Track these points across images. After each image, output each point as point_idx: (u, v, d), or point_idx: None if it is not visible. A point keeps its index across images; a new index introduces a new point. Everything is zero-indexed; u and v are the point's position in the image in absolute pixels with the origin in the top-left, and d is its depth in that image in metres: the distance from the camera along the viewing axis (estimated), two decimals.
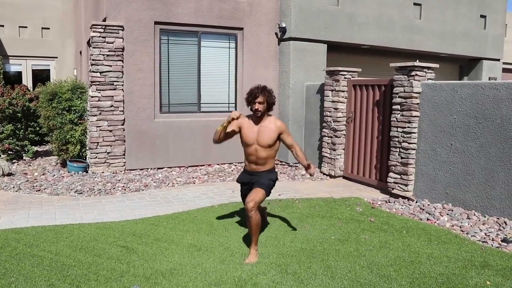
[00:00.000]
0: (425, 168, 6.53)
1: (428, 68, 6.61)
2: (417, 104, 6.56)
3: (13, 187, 7.12)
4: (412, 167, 6.67)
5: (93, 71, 8.02)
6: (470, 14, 11.90)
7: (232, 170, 8.75)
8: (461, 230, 5.27)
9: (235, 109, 9.38)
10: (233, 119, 4.56)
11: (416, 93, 6.54)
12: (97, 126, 8.09)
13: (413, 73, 6.50)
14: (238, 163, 9.36)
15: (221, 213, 5.89)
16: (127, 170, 8.44)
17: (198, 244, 4.69)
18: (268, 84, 9.49)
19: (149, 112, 8.50)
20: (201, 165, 9.10)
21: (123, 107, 8.28)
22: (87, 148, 8.35)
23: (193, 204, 6.36)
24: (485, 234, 5.10)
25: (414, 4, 10.87)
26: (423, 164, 6.56)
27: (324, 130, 8.50)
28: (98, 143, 8.12)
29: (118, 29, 8.10)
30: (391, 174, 6.94)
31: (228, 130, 4.71)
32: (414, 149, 6.64)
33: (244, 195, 4.85)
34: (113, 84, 8.15)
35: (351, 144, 8.09)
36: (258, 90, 4.54)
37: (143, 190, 7.15)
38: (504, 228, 5.26)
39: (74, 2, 14.87)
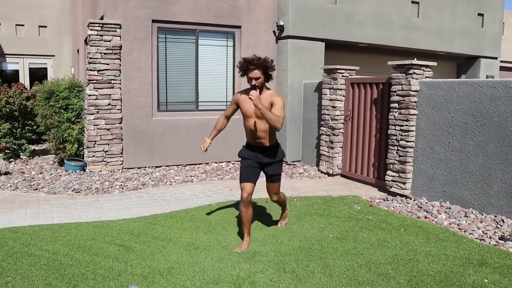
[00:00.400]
0: (423, 166, 6.53)
1: (426, 66, 6.61)
2: (415, 102, 6.56)
3: (10, 186, 7.10)
4: (410, 165, 6.67)
5: (91, 70, 8.00)
6: (468, 12, 11.91)
7: (230, 169, 8.74)
8: (459, 228, 5.28)
9: None
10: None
11: (414, 91, 6.54)
12: (94, 125, 8.07)
13: (411, 71, 6.50)
14: (236, 161, 9.36)
15: (219, 211, 5.88)
16: (125, 168, 8.42)
17: (196, 243, 4.68)
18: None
19: (146, 110, 8.49)
20: (199, 164, 9.09)
21: (121, 105, 8.26)
22: (85, 147, 8.33)
23: (191, 202, 6.35)
24: (482, 232, 5.11)
25: (412, 2, 10.87)
26: (421, 162, 6.57)
27: (322, 128, 8.50)
28: (95, 141, 8.10)
29: (116, 27, 8.08)
30: (389, 172, 6.94)
31: (230, 111, 4.81)
32: (412, 147, 6.64)
33: (247, 170, 4.55)
34: (110, 83, 8.13)
35: (349, 142, 8.09)
36: (254, 62, 4.26)
37: (140, 188, 7.14)
38: (501, 226, 5.27)
39: (71, 0, 14.82)
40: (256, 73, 4.30)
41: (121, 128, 8.31)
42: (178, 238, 4.83)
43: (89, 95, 8.02)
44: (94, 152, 8.12)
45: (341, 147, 8.26)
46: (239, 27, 9.20)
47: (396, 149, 6.81)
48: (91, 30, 7.95)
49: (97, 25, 7.96)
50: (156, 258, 4.26)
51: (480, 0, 12.09)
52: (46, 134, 8.92)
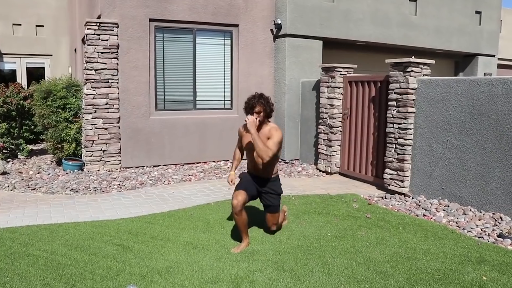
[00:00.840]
0: (421, 164, 6.53)
1: (424, 64, 6.61)
2: (413, 100, 6.56)
3: (8, 186, 7.08)
4: (408, 163, 6.67)
5: (88, 69, 7.98)
6: (465, 10, 11.91)
7: (228, 167, 8.73)
8: (457, 226, 5.28)
9: (231, 107, 9.36)
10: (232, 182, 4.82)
11: (412, 89, 6.54)
12: (92, 124, 8.05)
13: (408, 69, 6.49)
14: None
15: (217, 210, 5.87)
16: (123, 168, 8.41)
17: (194, 242, 4.68)
18: (263, 80, 9.49)
19: (144, 109, 8.47)
20: (197, 163, 9.08)
21: (118, 104, 8.25)
22: (83, 146, 8.31)
23: (189, 201, 6.34)
24: (481, 229, 5.11)
25: (410, 0, 10.87)
26: (419, 160, 6.57)
27: (320, 126, 8.49)
28: (93, 141, 8.09)
29: (113, 27, 8.06)
30: (387, 170, 6.94)
31: (240, 146, 5.00)
32: (410, 145, 6.64)
33: (243, 182, 4.70)
34: (108, 82, 8.11)
35: (347, 140, 8.08)
36: (255, 99, 4.55)
37: (139, 188, 7.13)
38: (500, 224, 5.28)
39: None
40: (257, 108, 4.52)
41: (119, 128, 8.29)
42: (176, 237, 4.83)
43: (87, 95, 8.00)
44: (92, 151, 8.10)
45: (339, 146, 8.25)
46: (236, 25, 9.18)
47: (394, 147, 6.81)
48: (88, 29, 7.93)
49: (94, 24, 7.93)
50: (154, 258, 4.25)
51: None
52: (44, 133, 8.90)
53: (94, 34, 7.96)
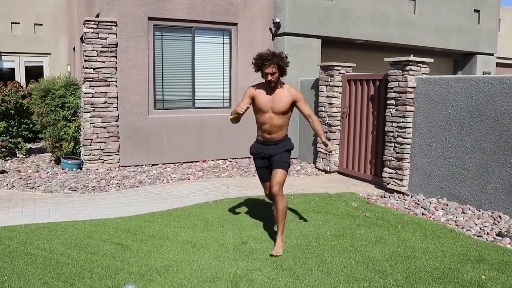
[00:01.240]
0: (420, 163, 6.53)
1: (423, 62, 6.61)
2: (412, 98, 6.56)
3: (7, 184, 7.07)
4: (407, 162, 6.67)
5: (87, 68, 7.97)
6: (464, 8, 11.91)
7: (227, 166, 8.73)
8: (456, 225, 5.28)
9: (229, 105, 9.35)
10: (238, 113, 4.35)
11: (411, 87, 6.53)
12: (91, 123, 8.04)
13: (407, 68, 6.49)
14: (233, 159, 9.35)
15: (216, 209, 5.87)
16: (122, 166, 8.40)
17: (193, 241, 4.67)
18: (262, 79, 9.45)
19: (143, 108, 8.46)
20: (196, 161, 9.07)
21: (117, 103, 8.23)
22: (81, 145, 8.30)
23: (187, 200, 6.33)
24: (480, 228, 5.11)
25: None
26: (418, 159, 6.57)
27: None
28: (92, 140, 8.08)
29: (111, 25, 8.04)
30: (386, 169, 6.94)
31: (243, 110, 4.36)
32: (409, 144, 6.64)
33: (260, 171, 4.68)
34: (106, 81, 8.10)
35: (346, 139, 8.08)
36: (269, 57, 4.23)
37: (137, 186, 7.12)
38: (498, 222, 5.28)
39: None
40: (272, 68, 4.28)
41: (118, 126, 8.28)
42: (175, 236, 4.82)
43: (85, 93, 7.99)
44: (91, 150, 8.09)
45: (338, 144, 8.25)
46: (235, 24, 9.17)
47: (393, 145, 6.81)
48: (86, 28, 7.91)
49: (93, 22, 7.92)
50: (153, 256, 4.25)
51: None
52: (42, 132, 8.88)
53: (92, 32, 7.94)
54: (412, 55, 6.76)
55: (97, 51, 7.99)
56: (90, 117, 8.03)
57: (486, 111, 5.68)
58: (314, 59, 9.59)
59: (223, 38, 9.21)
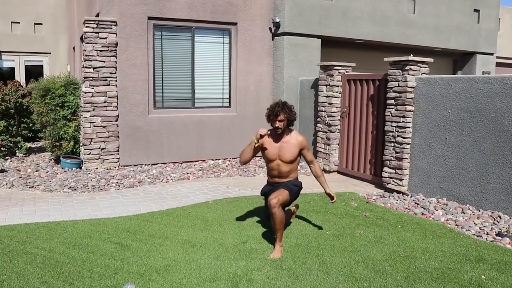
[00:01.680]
0: (420, 162, 6.53)
1: (422, 62, 6.61)
2: (412, 98, 6.56)
3: (6, 183, 7.07)
4: (407, 161, 6.68)
5: (86, 67, 7.96)
6: (464, 8, 11.91)
7: (226, 166, 8.73)
8: (456, 225, 5.28)
9: (229, 105, 9.35)
10: (261, 136, 4.59)
11: (411, 87, 6.53)
12: (90, 122, 8.04)
13: (407, 68, 6.49)
14: (233, 158, 9.35)
15: (216, 209, 5.87)
16: (121, 166, 8.40)
17: (193, 240, 4.67)
18: (262, 79, 9.48)
19: (142, 108, 8.46)
20: (195, 161, 9.07)
21: (117, 103, 8.23)
22: (81, 144, 8.30)
23: (187, 200, 6.33)
24: (479, 228, 5.11)
25: None
26: (417, 158, 6.57)
27: (318, 125, 8.49)
28: (91, 139, 8.07)
29: (111, 25, 8.04)
30: (385, 168, 6.94)
31: (256, 145, 4.68)
32: (408, 144, 6.64)
33: (266, 188, 4.93)
34: (106, 80, 8.10)
35: (346, 139, 8.08)
36: (279, 107, 4.56)
37: (137, 186, 7.12)
38: (498, 222, 5.28)
39: None
40: (281, 116, 4.55)
41: (117, 126, 8.28)
42: (174, 235, 4.82)
43: (85, 93, 7.98)
44: (90, 149, 8.09)
45: (338, 144, 8.25)
46: (235, 24, 9.17)
47: (392, 145, 6.81)
48: (86, 27, 7.91)
49: (93, 22, 7.92)
50: (152, 256, 4.24)
51: None
52: (42, 131, 8.88)
53: (92, 32, 7.94)
54: (411, 55, 6.76)
55: (97, 50, 7.99)
56: (90, 116, 8.03)
57: (486, 111, 5.68)
58: (314, 59, 9.59)
59: (223, 37, 9.21)
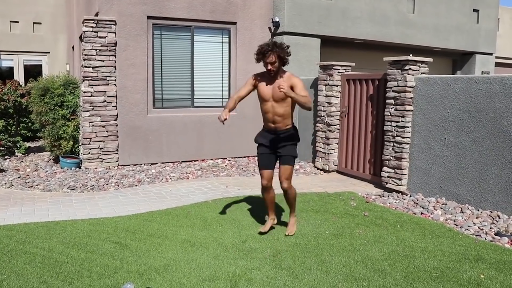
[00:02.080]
0: (419, 162, 6.54)
1: (422, 62, 6.61)
2: (411, 98, 6.56)
3: (5, 183, 7.06)
4: (406, 161, 6.68)
5: (86, 66, 7.96)
6: (463, 8, 11.92)
7: (225, 165, 8.73)
8: (455, 224, 5.29)
9: None
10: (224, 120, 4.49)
11: (410, 87, 6.54)
12: (90, 122, 8.03)
13: (406, 67, 6.49)
14: (232, 158, 9.35)
15: (215, 208, 5.87)
16: (121, 165, 8.40)
17: (192, 240, 4.67)
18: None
19: (142, 107, 8.45)
20: (195, 160, 9.07)
21: (116, 102, 8.23)
22: (80, 144, 8.29)
23: (186, 199, 6.33)
24: (478, 227, 5.12)
25: None
26: (416, 158, 6.57)
27: (317, 124, 8.49)
28: (91, 138, 8.07)
29: (111, 24, 8.04)
30: (385, 168, 6.94)
31: (244, 92, 4.69)
32: (407, 143, 6.64)
33: (263, 158, 4.71)
34: (105, 79, 8.09)
35: (345, 138, 8.08)
36: (269, 47, 4.34)
37: (136, 185, 7.12)
38: (497, 222, 5.29)
39: None
40: (272, 58, 4.36)
41: (117, 125, 8.27)
42: (174, 235, 4.82)
43: (84, 92, 7.98)
44: (90, 149, 8.08)
45: (337, 144, 8.25)
46: (234, 23, 9.17)
47: (392, 145, 6.81)
48: (86, 26, 7.90)
49: (92, 21, 7.91)
50: (152, 255, 4.24)
51: None
52: (41, 131, 8.88)
53: (91, 31, 7.93)
54: (411, 55, 6.76)
55: (96, 50, 7.98)
56: (89, 116, 8.02)
57: (485, 111, 5.68)
58: (314, 59, 9.59)
59: (222, 37, 9.21)
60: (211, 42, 9.12)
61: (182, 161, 8.95)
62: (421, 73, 6.62)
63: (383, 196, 6.66)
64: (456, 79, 6.03)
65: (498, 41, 15.61)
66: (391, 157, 6.83)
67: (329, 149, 8.22)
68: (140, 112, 8.44)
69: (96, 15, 8.19)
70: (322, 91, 8.36)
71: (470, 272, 3.93)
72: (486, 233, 4.93)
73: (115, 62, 8.17)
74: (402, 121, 6.62)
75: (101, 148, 8.17)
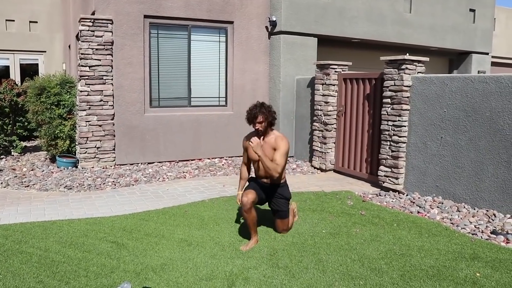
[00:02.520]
0: (416, 161, 6.55)
1: (418, 61, 6.62)
2: (407, 97, 6.58)
3: (1, 183, 7.04)
4: (403, 160, 6.69)
5: (82, 65, 7.94)
6: (459, 8, 11.95)
7: (222, 165, 8.73)
8: (451, 223, 5.31)
9: (225, 104, 9.35)
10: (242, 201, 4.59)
11: (407, 86, 6.55)
12: (86, 121, 8.02)
13: (403, 67, 6.51)
14: (229, 157, 9.35)
15: (212, 207, 5.87)
16: (117, 165, 8.38)
17: (189, 239, 4.67)
18: (258, 77, 9.48)
19: (139, 106, 8.44)
20: (192, 160, 9.06)
21: (113, 101, 8.21)
22: (77, 143, 8.27)
23: (183, 198, 6.33)
24: (474, 226, 5.14)
25: None
26: (413, 157, 6.59)
27: (314, 124, 8.50)
28: (87, 138, 8.05)
29: (107, 23, 8.02)
30: (381, 167, 6.96)
31: (246, 158, 4.94)
32: (404, 143, 6.66)
33: (253, 186, 4.76)
34: (102, 79, 8.08)
35: (342, 137, 8.10)
36: (257, 109, 4.57)
37: (133, 185, 7.11)
38: (493, 220, 5.30)
39: None
40: (259, 118, 4.56)
41: (113, 124, 8.26)
42: (171, 234, 4.82)
43: (81, 91, 7.96)
44: (86, 148, 8.07)
45: (334, 143, 8.26)
46: (231, 22, 9.16)
47: (388, 144, 6.83)
48: (82, 25, 7.88)
49: (89, 20, 7.89)
50: (148, 255, 4.24)
51: None
52: (38, 130, 8.85)
53: (88, 30, 7.91)
54: (408, 54, 6.78)
55: (92, 49, 7.96)
56: (86, 115, 8.00)
57: (481, 110, 5.70)
58: (310, 58, 9.60)
59: (219, 36, 9.20)
60: (208, 41, 9.11)
61: (179, 160, 8.94)
62: (418, 72, 6.63)
63: (379, 195, 6.67)
64: (453, 79, 6.04)
65: (494, 40, 15.67)
66: (387, 156, 6.84)
67: (326, 148, 8.23)
68: (137, 111, 8.43)
69: (93, 14, 8.17)
70: (319, 90, 8.36)
71: (466, 270, 3.95)
72: (482, 232, 4.94)
73: (112, 61, 8.15)
74: (398, 120, 6.63)
75: (97, 148, 8.15)
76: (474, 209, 5.77)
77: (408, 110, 6.60)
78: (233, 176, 7.80)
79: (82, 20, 7.88)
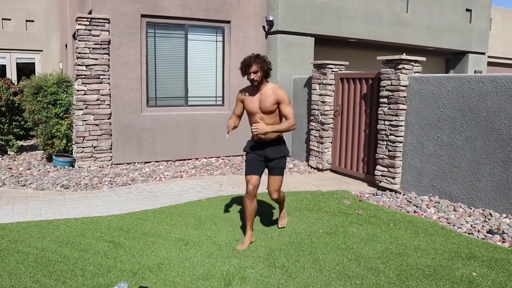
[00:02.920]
0: (412, 161, 6.57)
1: (415, 61, 6.64)
2: (404, 97, 6.59)
3: None
4: (399, 160, 6.71)
5: (79, 65, 7.92)
6: (456, 8, 11.98)
7: (219, 164, 8.73)
8: (448, 222, 5.32)
9: (222, 103, 9.35)
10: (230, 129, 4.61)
11: (403, 86, 6.56)
12: (83, 120, 8.00)
13: (400, 67, 6.52)
14: (226, 156, 9.35)
15: (209, 207, 5.87)
16: (114, 164, 8.37)
17: (186, 238, 4.67)
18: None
19: (135, 106, 8.43)
20: (188, 159, 9.06)
21: (110, 101, 8.20)
22: (73, 143, 8.26)
23: (180, 198, 6.33)
24: (471, 225, 5.15)
25: None
26: (410, 157, 6.60)
27: (311, 123, 8.51)
28: (84, 137, 8.04)
29: (104, 22, 8.00)
30: (378, 167, 6.97)
31: (239, 110, 4.76)
32: (401, 142, 6.67)
33: (250, 163, 4.60)
34: (99, 78, 8.06)
35: (339, 137, 8.11)
36: (251, 59, 4.46)
37: (130, 184, 7.10)
38: (489, 220, 5.32)
39: None
40: (254, 67, 4.45)
41: (110, 124, 8.24)
42: (167, 233, 4.82)
43: (78, 90, 7.95)
44: (83, 147, 8.05)
45: (331, 142, 8.27)
46: (228, 22, 9.16)
47: (385, 144, 6.84)
48: (79, 24, 7.86)
49: (86, 19, 7.87)
50: (145, 254, 4.24)
51: None
52: (34, 129, 8.83)
53: (85, 29, 7.89)
54: (404, 54, 6.79)
55: (89, 48, 7.95)
56: (83, 114, 7.99)
57: (478, 110, 5.72)
58: (307, 57, 9.60)
59: (216, 35, 9.20)
60: (205, 40, 9.10)
61: (176, 160, 8.93)
62: (414, 72, 6.65)
63: (376, 195, 6.68)
64: (449, 78, 6.06)
65: (490, 40, 15.72)
66: (384, 156, 6.86)
67: (323, 148, 8.23)
68: (133, 111, 8.42)
69: (90, 13, 8.15)
70: (316, 90, 8.37)
71: (463, 269, 3.96)
72: (479, 231, 4.96)
73: (109, 60, 8.14)
74: (395, 120, 6.65)
75: (94, 147, 8.14)
76: (471, 208, 5.79)
77: (404, 109, 6.61)
78: (230, 176, 7.80)
79: (79, 19, 7.86)
